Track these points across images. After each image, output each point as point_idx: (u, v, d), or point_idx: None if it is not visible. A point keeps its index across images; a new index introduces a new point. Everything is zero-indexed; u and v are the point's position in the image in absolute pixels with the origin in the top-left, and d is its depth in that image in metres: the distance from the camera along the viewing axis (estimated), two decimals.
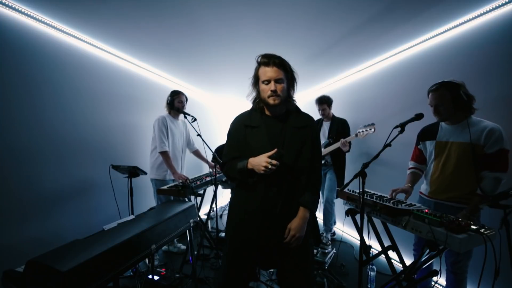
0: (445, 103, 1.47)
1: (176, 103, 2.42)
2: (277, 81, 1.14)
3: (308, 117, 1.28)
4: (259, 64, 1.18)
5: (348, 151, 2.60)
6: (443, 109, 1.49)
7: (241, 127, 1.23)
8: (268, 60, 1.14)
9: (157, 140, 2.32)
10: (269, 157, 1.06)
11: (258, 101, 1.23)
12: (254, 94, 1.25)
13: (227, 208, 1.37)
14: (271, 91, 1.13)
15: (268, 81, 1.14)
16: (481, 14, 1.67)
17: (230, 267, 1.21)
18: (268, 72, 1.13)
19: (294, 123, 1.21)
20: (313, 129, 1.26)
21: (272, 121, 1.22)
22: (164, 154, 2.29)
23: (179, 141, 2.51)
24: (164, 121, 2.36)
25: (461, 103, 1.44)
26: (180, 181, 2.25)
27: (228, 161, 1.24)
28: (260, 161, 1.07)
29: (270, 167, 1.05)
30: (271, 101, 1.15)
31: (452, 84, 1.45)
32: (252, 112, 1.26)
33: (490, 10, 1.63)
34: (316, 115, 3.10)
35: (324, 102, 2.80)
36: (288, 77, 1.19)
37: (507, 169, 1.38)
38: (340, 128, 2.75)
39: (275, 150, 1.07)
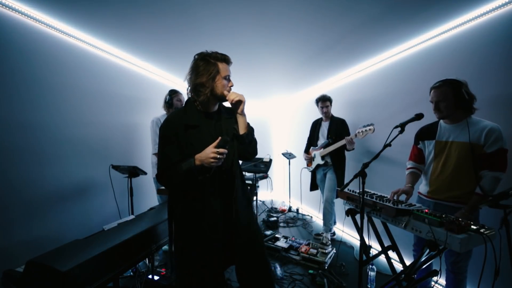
0: (446, 100, 1.47)
1: (175, 101, 2.41)
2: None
3: (230, 110, 1.32)
4: (218, 59, 1.18)
5: (353, 149, 2.61)
6: (443, 106, 1.48)
7: (180, 128, 1.15)
8: (229, 58, 1.22)
9: (153, 141, 2.33)
10: (215, 147, 1.07)
11: (207, 96, 1.17)
12: (207, 88, 1.16)
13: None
14: (231, 87, 1.22)
15: (229, 77, 1.21)
16: (481, 15, 1.67)
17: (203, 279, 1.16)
18: (228, 69, 1.21)
19: (228, 114, 1.30)
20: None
21: (208, 116, 1.23)
22: None
23: None
24: (159, 122, 2.35)
25: (462, 102, 1.44)
26: None
27: (167, 167, 1.12)
28: (207, 154, 1.06)
29: (218, 156, 1.05)
30: (226, 93, 1.20)
31: (455, 82, 1.45)
32: (186, 111, 1.21)
33: (490, 11, 1.62)
34: (315, 115, 3.11)
35: (327, 99, 2.81)
36: None
37: (506, 168, 1.38)
38: (339, 128, 2.75)
39: (219, 138, 1.08)
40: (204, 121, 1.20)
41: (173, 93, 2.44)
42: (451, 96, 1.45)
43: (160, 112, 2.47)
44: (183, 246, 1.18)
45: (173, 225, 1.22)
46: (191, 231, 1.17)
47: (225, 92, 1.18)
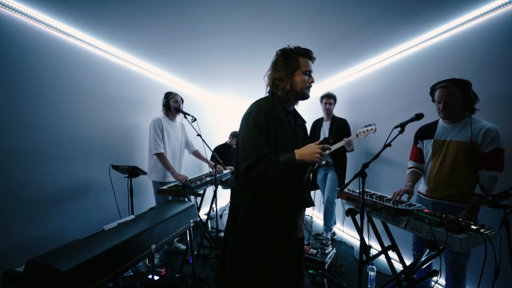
0: (455, 102, 1.46)
1: (171, 103, 2.41)
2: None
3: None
4: (299, 54, 1.14)
5: (352, 150, 2.61)
6: (451, 107, 1.48)
7: (272, 119, 1.08)
8: (312, 54, 1.16)
9: (152, 142, 2.31)
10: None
11: (285, 91, 1.13)
12: (284, 83, 1.13)
13: (233, 212, 1.20)
14: (311, 83, 1.15)
15: (310, 73, 1.14)
16: (481, 15, 1.67)
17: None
18: (310, 64, 1.15)
19: (300, 119, 1.29)
20: (306, 127, 1.35)
21: (290, 116, 1.21)
22: (160, 155, 2.28)
23: (176, 142, 2.50)
24: (160, 122, 2.34)
25: (469, 103, 1.44)
26: (179, 183, 2.25)
27: (261, 158, 1.02)
28: (312, 149, 1.03)
29: (324, 153, 1.03)
30: (308, 92, 1.16)
31: (465, 83, 1.44)
32: (275, 103, 1.15)
33: (490, 11, 1.62)
34: (315, 115, 3.11)
35: (332, 96, 2.81)
36: None
37: (502, 168, 1.39)
38: (340, 128, 2.74)
39: (322, 138, 1.09)
40: (287, 117, 1.17)
41: (169, 95, 2.43)
42: (460, 98, 1.45)
43: (160, 113, 2.47)
44: (248, 246, 1.12)
45: (236, 225, 1.14)
46: (261, 232, 1.11)
47: (305, 91, 1.14)
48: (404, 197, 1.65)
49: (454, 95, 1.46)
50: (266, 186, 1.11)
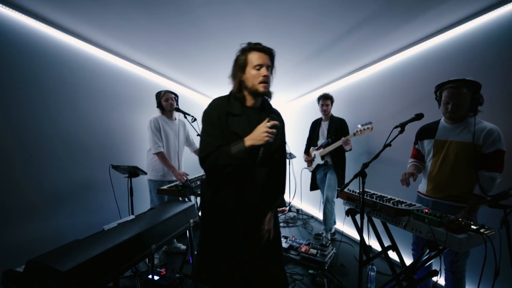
0: (464, 103, 1.45)
1: (163, 102, 2.40)
2: (267, 67, 1.11)
3: (278, 112, 1.31)
4: (250, 49, 1.12)
5: (350, 149, 2.61)
6: (461, 109, 1.46)
7: (222, 114, 1.12)
8: (260, 46, 1.12)
9: (151, 142, 2.31)
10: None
11: (239, 89, 1.16)
12: (236, 80, 1.16)
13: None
14: (264, 76, 1.09)
15: (260, 66, 1.09)
16: (481, 14, 1.67)
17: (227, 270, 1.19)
18: (261, 57, 1.10)
19: (271, 116, 1.19)
20: (283, 125, 1.31)
21: (251, 111, 1.18)
22: (160, 154, 2.28)
23: (174, 141, 2.48)
24: (156, 122, 2.33)
25: (476, 105, 1.43)
26: (179, 182, 2.25)
27: (214, 150, 1.09)
28: (259, 131, 1.05)
29: (271, 131, 1.04)
30: (260, 88, 1.10)
31: (476, 85, 1.42)
32: (231, 100, 1.17)
33: (490, 10, 1.62)
34: (314, 115, 3.11)
35: (328, 97, 2.81)
36: (271, 70, 1.18)
37: (502, 169, 1.39)
38: (339, 127, 2.75)
39: (266, 119, 1.07)
40: (246, 113, 1.16)
41: (159, 95, 2.42)
42: (469, 99, 1.44)
43: (158, 113, 2.47)
44: (209, 234, 1.21)
45: (203, 212, 1.25)
46: (219, 219, 1.18)
47: (258, 86, 1.11)
48: (404, 198, 1.66)
49: (465, 97, 1.43)
50: (225, 179, 1.15)
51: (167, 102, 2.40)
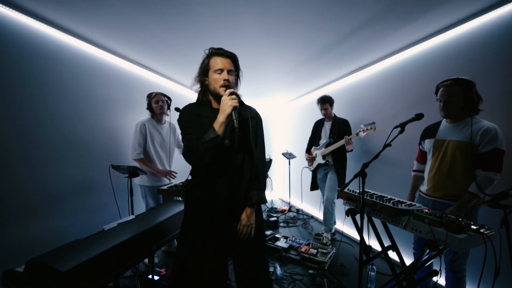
0: (455, 101, 1.46)
1: (153, 104, 2.32)
2: (229, 72, 1.17)
3: (251, 108, 1.34)
4: (211, 54, 1.19)
5: (352, 150, 2.61)
6: (451, 106, 1.48)
7: (193, 117, 1.20)
8: (222, 51, 1.18)
9: (131, 147, 2.25)
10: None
11: (205, 93, 1.23)
12: (198, 86, 1.25)
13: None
14: (224, 80, 1.15)
15: (221, 70, 1.16)
16: (481, 14, 1.67)
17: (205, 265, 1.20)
18: (221, 62, 1.16)
19: (239, 115, 1.22)
20: (258, 120, 1.33)
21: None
22: (139, 161, 2.24)
23: (162, 145, 2.41)
24: (143, 127, 2.26)
25: (471, 103, 1.44)
26: (168, 177, 2.25)
27: (193, 143, 1.15)
28: (223, 104, 1.08)
29: (234, 97, 1.08)
30: (222, 91, 1.14)
31: (467, 82, 1.44)
32: (198, 105, 1.24)
33: (490, 10, 1.62)
34: (317, 115, 3.11)
35: (326, 101, 2.81)
36: (236, 73, 1.25)
37: (500, 169, 1.37)
38: (341, 128, 2.75)
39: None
40: (215, 114, 1.16)
41: (150, 96, 2.35)
42: (461, 97, 1.45)
43: (148, 115, 2.40)
44: (186, 226, 1.25)
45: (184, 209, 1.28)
46: (194, 211, 1.23)
47: (220, 90, 1.16)
48: (403, 197, 1.66)
49: (455, 94, 1.46)
50: (203, 172, 1.21)
51: (157, 105, 2.30)
